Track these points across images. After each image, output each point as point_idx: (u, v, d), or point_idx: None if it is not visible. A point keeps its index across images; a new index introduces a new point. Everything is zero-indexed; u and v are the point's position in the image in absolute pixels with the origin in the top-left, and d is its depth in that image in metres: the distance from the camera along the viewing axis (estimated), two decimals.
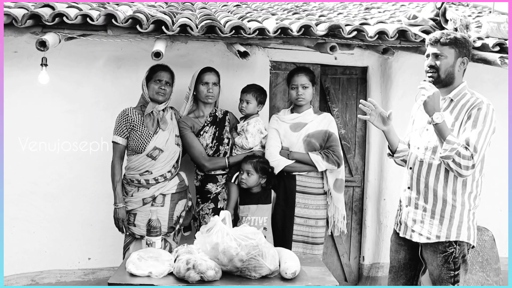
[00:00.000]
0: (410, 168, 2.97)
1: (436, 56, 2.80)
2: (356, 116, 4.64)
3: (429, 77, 2.82)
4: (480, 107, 2.72)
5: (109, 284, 2.51)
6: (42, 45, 3.17)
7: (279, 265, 2.66)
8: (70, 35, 3.45)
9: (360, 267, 4.70)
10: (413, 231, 2.94)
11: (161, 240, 3.48)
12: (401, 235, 3.03)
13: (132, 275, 2.60)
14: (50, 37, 3.24)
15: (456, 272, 2.86)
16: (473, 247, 2.91)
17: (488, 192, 4.70)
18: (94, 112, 4.07)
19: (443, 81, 2.82)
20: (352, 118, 4.64)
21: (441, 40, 2.78)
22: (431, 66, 2.81)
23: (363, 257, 4.67)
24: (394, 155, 3.13)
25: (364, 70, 4.63)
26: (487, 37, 3.94)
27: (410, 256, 3.08)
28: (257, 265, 2.56)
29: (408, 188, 2.98)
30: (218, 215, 3.63)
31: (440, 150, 2.70)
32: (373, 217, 4.62)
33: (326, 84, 4.56)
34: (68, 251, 4.13)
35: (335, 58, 4.47)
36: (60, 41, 3.40)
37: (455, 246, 2.83)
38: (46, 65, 3.48)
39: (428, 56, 2.85)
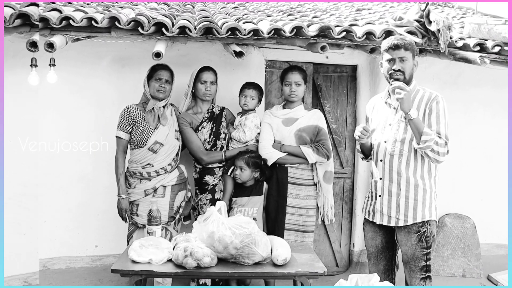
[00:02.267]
0: (381, 160, 3.09)
1: (401, 59, 2.94)
2: (346, 111, 4.67)
3: (396, 79, 2.95)
4: (437, 100, 2.94)
5: (112, 271, 2.56)
6: (50, 46, 3.19)
7: (271, 252, 2.71)
8: (77, 37, 3.48)
9: (351, 253, 4.75)
10: (389, 216, 3.07)
11: (162, 229, 3.54)
12: (378, 222, 3.14)
13: (133, 261, 2.65)
14: (57, 39, 3.27)
15: (428, 250, 3.02)
16: (436, 222, 3.11)
17: (470, 183, 4.81)
18: (100, 109, 4.10)
19: (407, 82, 2.96)
20: (343, 113, 4.67)
21: (405, 45, 2.93)
22: (399, 70, 2.94)
23: (353, 244, 4.71)
24: (368, 159, 3.32)
25: (354, 68, 4.65)
26: (469, 37, 3.97)
27: (386, 239, 3.22)
28: (250, 252, 2.61)
29: (380, 179, 3.10)
30: (215, 205, 3.73)
31: (414, 141, 2.89)
32: (362, 206, 4.63)
33: (318, 82, 4.58)
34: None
35: (327, 57, 4.48)
36: (67, 43, 3.42)
37: (426, 225, 3.00)
38: (54, 65, 3.51)
39: (391, 60, 2.96)
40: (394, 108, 3.07)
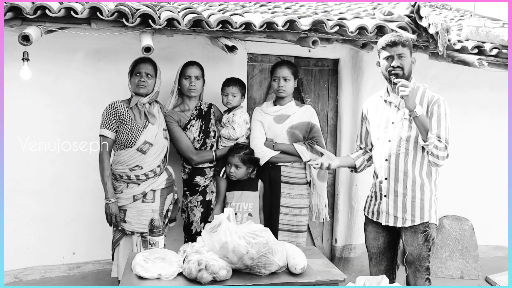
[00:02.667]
0: (386, 160, 3.00)
1: (400, 56, 2.87)
2: (328, 106, 4.59)
3: (395, 75, 2.88)
4: (439, 103, 2.89)
5: None
6: (26, 39, 2.87)
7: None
8: (49, 29, 3.15)
9: (333, 249, 4.70)
10: (396, 217, 2.99)
11: (142, 241, 3.32)
12: (384, 223, 3.05)
13: (140, 277, 2.43)
14: (32, 31, 2.95)
15: (430, 252, 3.00)
16: (436, 226, 3.08)
17: (468, 185, 4.87)
18: (75, 106, 3.77)
19: (406, 78, 2.88)
20: (324, 108, 4.58)
21: (402, 42, 2.86)
22: (398, 66, 2.87)
23: (336, 239, 4.66)
24: (358, 170, 3.26)
25: (335, 62, 4.56)
26: (467, 39, 3.99)
27: (388, 239, 3.16)
28: (267, 262, 2.45)
29: (386, 179, 3.02)
30: (207, 207, 3.56)
31: (420, 138, 2.82)
32: (345, 202, 4.61)
33: (299, 75, 4.45)
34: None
35: (309, 51, 4.36)
36: (42, 35, 3.10)
37: (430, 227, 2.96)
38: (27, 59, 3.15)
39: (389, 58, 2.90)
40: (396, 106, 3.00)
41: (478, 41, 3.84)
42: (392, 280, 3.23)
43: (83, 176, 3.75)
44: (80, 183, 3.79)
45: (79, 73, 3.75)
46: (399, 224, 2.99)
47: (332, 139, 4.62)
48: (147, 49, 3.06)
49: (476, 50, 3.78)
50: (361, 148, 3.33)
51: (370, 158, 3.26)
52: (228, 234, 2.48)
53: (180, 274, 2.47)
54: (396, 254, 3.24)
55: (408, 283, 3.12)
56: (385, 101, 3.08)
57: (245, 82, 4.11)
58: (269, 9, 4.40)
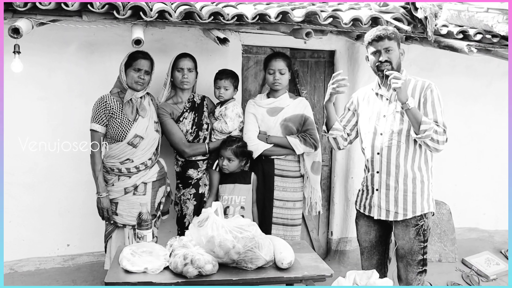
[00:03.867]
0: (378, 153, 2.97)
1: (387, 50, 2.84)
2: (324, 98, 4.51)
3: (382, 71, 2.85)
4: (431, 88, 2.86)
5: (106, 284, 2.32)
6: (16, 32, 2.84)
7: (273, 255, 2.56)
8: (41, 21, 3.12)
9: (329, 241, 4.68)
10: (388, 211, 2.96)
11: (133, 234, 3.31)
12: (375, 217, 3.03)
13: (127, 271, 2.42)
14: (23, 24, 2.92)
15: (425, 244, 2.97)
16: (433, 214, 3.05)
17: (445, 169, 4.83)
18: (68, 99, 3.74)
19: (396, 71, 2.82)
20: (320, 99, 4.53)
21: (388, 35, 2.83)
22: (385, 61, 2.84)
23: (331, 232, 4.64)
24: (329, 131, 3.13)
25: (331, 53, 4.50)
26: (446, 24, 3.90)
27: (380, 233, 3.14)
28: (253, 257, 2.44)
29: (377, 172, 2.98)
30: (200, 200, 3.54)
31: (413, 131, 2.78)
32: (341, 194, 4.58)
33: (295, 67, 4.41)
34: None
35: (305, 42, 4.29)
36: (33, 27, 3.07)
37: (424, 218, 2.93)
38: (19, 52, 3.12)
39: (376, 52, 2.87)
40: (387, 99, 2.96)
41: (458, 26, 3.77)
42: (383, 274, 3.21)
43: (77, 168, 3.73)
44: (74, 176, 3.77)
45: (72, 66, 3.72)
46: (391, 218, 2.96)
47: None
48: (137, 42, 3.02)
49: (461, 35, 3.70)
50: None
51: (344, 139, 3.18)
52: (215, 228, 2.47)
53: (167, 268, 2.46)
54: (387, 248, 3.22)
55: (399, 277, 3.10)
56: (377, 94, 3.04)
57: (240, 74, 4.09)
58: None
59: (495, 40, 3.75)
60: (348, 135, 3.22)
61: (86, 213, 3.75)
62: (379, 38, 2.84)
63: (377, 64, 2.88)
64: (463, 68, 4.74)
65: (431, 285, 4.09)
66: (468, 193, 4.99)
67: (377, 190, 2.99)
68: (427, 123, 2.71)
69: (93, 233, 3.81)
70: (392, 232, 3.06)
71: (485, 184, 5.02)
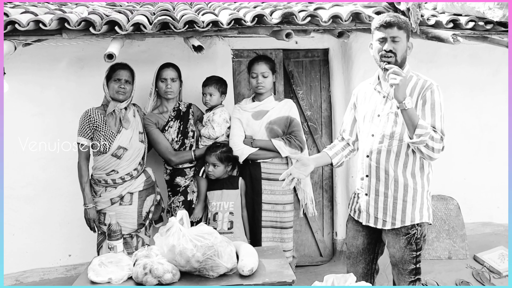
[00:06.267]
0: (367, 156, 2.76)
1: (394, 39, 2.53)
2: (320, 97, 4.46)
3: (387, 62, 2.55)
4: (432, 89, 2.56)
5: None
6: None
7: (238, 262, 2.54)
8: (26, 42, 3.24)
9: (334, 242, 4.60)
10: (376, 218, 2.77)
11: (132, 237, 3.39)
12: (364, 223, 2.84)
13: (92, 282, 2.47)
14: (5, 46, 3.04)
15: (418, 253, 2.74)
16: (430, 224, 2.81)
17: (452, 163, 4.63)
18: (61, 113, 3.87)
19: (399, 65, 2.55)
20: (317, 99, 4.46)
21: (399, 23, 2.52)
22: (389, 51, 2.53)
23: (336, 232, 4.56)
24: (334, 166, 2.98)
25: (325, 51, 4.42)
26: (443, 12, 3.75)
27: (368, 240, 2.93)
28: (214, 265, 2.43)
29: (367, 176, 2.78)
30: (189, 207, 3.57)
31: (406, 135, 2.53)
32: (343, 194, 4.49)
33: (289, 68, 4.36)
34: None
35: (296, 42, 4.26)
36: (15, 48, 3.19)
37: (416, 227, 2.71)
38: (4, 73, 3.27)
39: (382, 40, 2.55)
40: (384, 96, 2.70)
41: (453, 14, 3.59)
42: None
43: (74, 179, 3.79)
44: (71, 187, 3.86)
45: (63, 81, 3.85)
46: (379, 226, 2.77)
47: (327, 131, 4.49)
48: (110, 56, 3.08)
49: (451, 24, 3.53)
50: (343, 139, 3.04)
51: (351, 152, 3.01)
52: (176, 237, 2.48)
53: (131, 278, 2.49)
54: (375, 258, 3.01)
55: (394, 284, 2.96)
56: (375, 89, 2.79)
57: (231, 79, 4.10)
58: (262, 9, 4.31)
59: (488, 26, 3.56)
60: (354, 142, 3.00)
61: (85, 224, 3.83)
62: (387, 25, 2.52)
63: (381, 53, 2.56)
64: (466, 57, 4.53)
65: (437, 284, 3.94)
66: (479, 187, 4.75)
67: (366, 195, 2.80)
68: (423, 127, 2.42)
69: (93, 243, 3.86)
70: (383, 240, 2.87)
71: (498, 176, 4.74)
